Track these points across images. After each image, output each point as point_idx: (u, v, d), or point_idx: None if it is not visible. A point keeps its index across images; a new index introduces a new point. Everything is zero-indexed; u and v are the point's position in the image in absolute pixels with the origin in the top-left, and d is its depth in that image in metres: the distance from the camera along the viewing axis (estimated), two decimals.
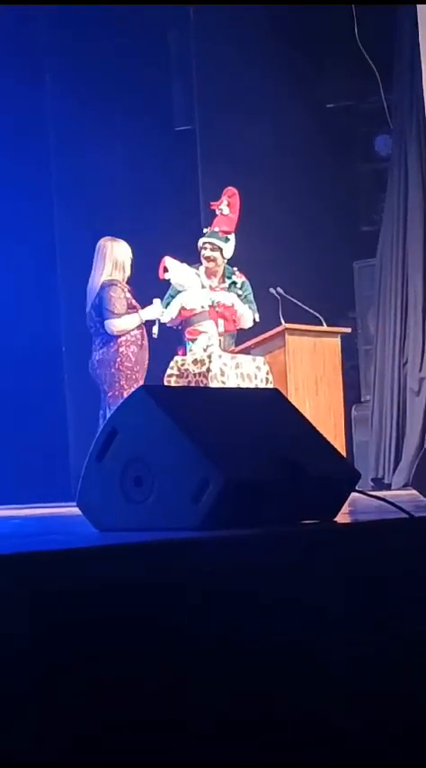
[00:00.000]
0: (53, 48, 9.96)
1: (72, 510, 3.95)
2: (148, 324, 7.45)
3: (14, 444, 9.93)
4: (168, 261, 7.64)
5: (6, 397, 9.94)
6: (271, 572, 2.96)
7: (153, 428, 3.48)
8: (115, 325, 7.25)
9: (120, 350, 7.28)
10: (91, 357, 7.40)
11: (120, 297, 7.27)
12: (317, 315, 8.15)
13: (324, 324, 8.18)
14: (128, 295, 7.35)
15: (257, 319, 7.87)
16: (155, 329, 7.44)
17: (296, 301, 8.12)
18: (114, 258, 7.36)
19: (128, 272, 7.40)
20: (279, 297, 8.11)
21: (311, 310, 8.14)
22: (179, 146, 9.64)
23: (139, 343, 7.34)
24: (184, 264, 7.71)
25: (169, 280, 7.64)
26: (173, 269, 7.62)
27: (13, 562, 2.51)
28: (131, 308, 7.33)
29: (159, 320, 7.48)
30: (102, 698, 2.48)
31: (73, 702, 2.43)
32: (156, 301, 7.52)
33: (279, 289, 8.15)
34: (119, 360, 7.27)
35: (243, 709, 2.65)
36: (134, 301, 7.37)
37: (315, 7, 9.12)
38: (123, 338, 7.29)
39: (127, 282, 7.42)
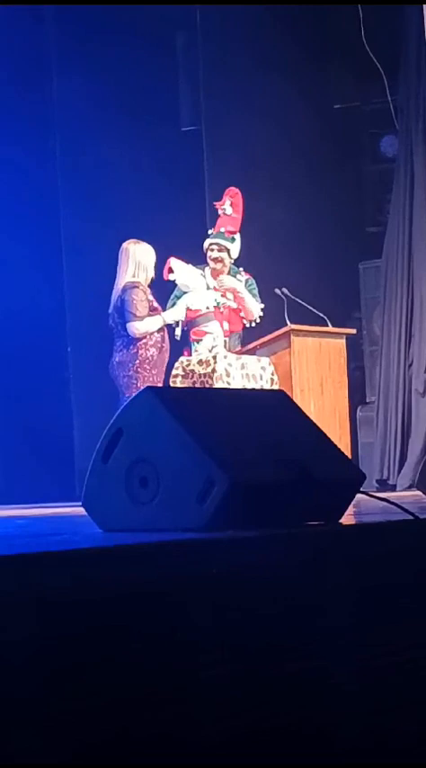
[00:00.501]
0: (60, 48, 9.97)
1: (77, 510, 3.95)
2: (171, 326, 7.47)
3: (20, 444, 9.94)
4: (173, 262, 7.64)
5: (12, 396, 9.95)
6: (276, 573, 2.96)
7: (158, 429, 3.48)
8: (137, 327, 7.25)
9: (140, 352, 7.30)
10: (111, 358, 7.41)
11: (142, 299, 7.27)
12: (323, 316, 8.15)
13: (330, 325, 8.18)
14: (150, 297, 7.35)
15: (261, 314, 7.87)
16: (178, 331, 7.45)
17: (301, 302, 8.12)
18: (136, 260, 7.36)
19: (151, 274, 7.41)
20: (284, 297, 8.11)
21: (316, 311, 8.14)
22: (185, 146, 9.64)
23: (160, 345, 7.35)
24: (189, 265, 7.71)
25: (174, 281, 7.64)
26: (178, 270, 7.62)
27: (18, 563, 2.51)
28: (153, 311, 7.34)
29: (181, 322, 7.50)
30: (107, 701, 2.48)
31: (77, 705, 2.43)
32: (180, 303, 7.53)
33: (284, 289, 8.15)
34: (137, 362, 7.28)
35: (246, 712, 2.65)
36: (156, 303, 7.38)
37: (322, 8, 9.13)
38: (143, 340, 7.30)
39: (149, 285, 7.43)
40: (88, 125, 9.70)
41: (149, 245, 7.46)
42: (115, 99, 9.66)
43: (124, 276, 7.36)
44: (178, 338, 7.46)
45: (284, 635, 2.90)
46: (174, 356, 7.61)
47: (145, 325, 7.28)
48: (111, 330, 7.43)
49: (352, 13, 8.86)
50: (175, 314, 7.44)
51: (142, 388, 7.12)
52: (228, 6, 9.14)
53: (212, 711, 2.62)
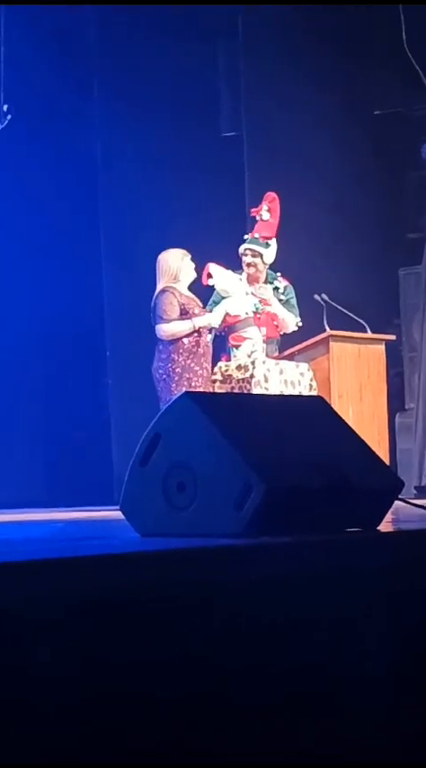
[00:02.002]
0: (102, 55, 10.01)
1: (115, 514, 3.96)
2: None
3: (59, 448, 9.98)
4: (212, 267, 7.65)
5: (52, 401, 10.00)
6: (314, 580, 2.95)
7: (196, 434, 3.48)
8: (163, 329, 7.29)
9: (172, 356, 7.33)
10: (152, 364, 7.47)
11: (172, 303, 7.30)
12: (362, 322, 8.13)
13: (369, 331, 8.16)
14: (183, 300, 7.36)
15: (299, 324, 7.85)
16: (209, 337, 7.44)
17: (340, 308, 8.11)
18: (165, 268, 7.40)
19: (186, 278, 7.42)
20: (323, 303, 8.09)
21: (356, 317, 8.13)
22: (226, 152, 9.65)
23: (194, 350, 7.36)
24: (229, 270, 7.71)
25: (213, 286, 7.65)
26: (218, 275, 7.62)
27: (56, 566, 2.52)
28: (185, 314, 7.35)
29: (219, 328, 7.50)
30: (143, 704, 2.48)
31: (113, 708, 2.43)
32: (218, 308, 7.53)
33: (323, 295, 8.13)
34: (170, 366, 7.31)
35: (279, 720, 2.65)
36: (194, 306, 7.37)
37: (363, 14, 9.11)
38: (176, 344, 7.32)
39: (189, 288, 7.45)
40: (129, 131, 9.73)
41: (180, 250, 7.46)
42: (156, 104, 9.68)
43: (159, 285, 7.43)
44: (209, 345, 7.45)
45: (322, 641, 2.90)
46: (215, 361, 7.61)
47: (171, 327, 7.29)
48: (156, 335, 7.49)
49: (394, 19, 8.83)
50: (209, 319, 7.42)
51: (176, 391, 7.18)
52: (269, 13, 9.14)
53: (246, 718, 2.61)
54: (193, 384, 7.29)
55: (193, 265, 7.47)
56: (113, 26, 9.90)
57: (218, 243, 8.06)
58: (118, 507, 3.72)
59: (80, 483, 9.73)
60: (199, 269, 7.66)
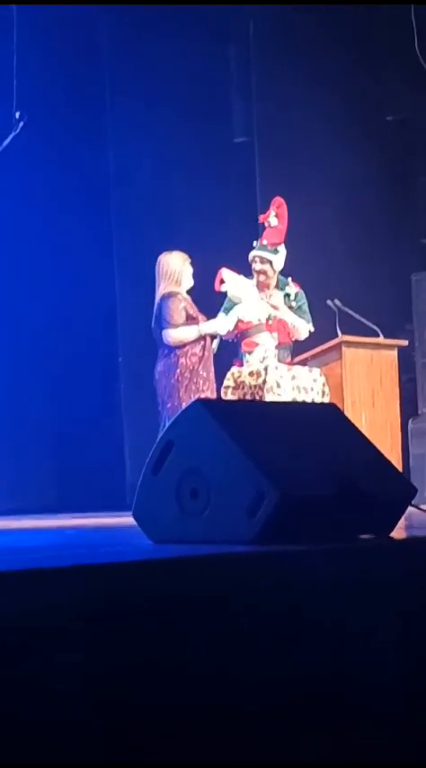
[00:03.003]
0: (113, 62, 10.03)
1: (128, 520, 3.96)
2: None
3: (72, 454, 9.98)
4: (225, 272, 7.64)
5: (64, 406, 10.00)
6: (326, 588, 2.95)
7: (208, 441, 3.48)
8: (171, 335, 7.27)
9: (180, 361, 7.29)
10: (154, 369, 7.42)
11: (178, 308, 7.28)
12: (374, 327, 8.12)
13: (382, 336, 8.14)
14: (187, 306, 7.34)
15: (312, 329, 7.84)
16: (215, 344, 7.42)
17: (353, 313, 8.09)
18: (168, 271, 7.37)
19: (186, 283, 7.40)
20: (336, 309, 8.08)
21: (368, 323, 8.11)
22: (237, 157, 9.65)
23: (200, 354, 7.34)
24: (241, 276, 7.70)
25: (225, 292, 7.64)
26: (230, 281, 7.61)
27: (68, 574, 2.52)
28: (191, 320, 7.34)
29: (220, 335, 7.48)
30: (156, 711, 2.48)
31: (126, 715, 2.43)
32: (221, 315, 7.52)
33: (336, 301, 8.12)
34: (178, 371, 7.27)
35: (293, 728, 2.64)
36: (195, 312, 7.36)
37: (374, 18, 9.11)
38: (183, 349, 7.30)
39: (188, 292, 7.42)
40: (141, 136, 9.74)
41: (181, 253, 7.44)
42: (168, 111, 9.69)
43: (159, 288, 7.39)
44: (214, 352, 7.43)
45: (335, 648, 2.89)
46: (224, 366, 7.60)
47: (179, 333, 7.27)
48: (155, 342, 7.46)
49: (407, 24, 8.83)
50: (215, 326, 7.39)
51: (184, 396, 7.17)
52: (280, 19, 9.15)
53: (259, 726, 2.61)
54: (201, 389, 7.27)
55: (192, 270, 7.45)
56: (125, 33, 9.92)
57: (230, 249, 8.06)
58: (130, 513, 3.72)
59: (92, 489, 9.73)
60: (212, 275, 7.65)
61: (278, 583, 2.86)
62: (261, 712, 2.66)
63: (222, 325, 7.43)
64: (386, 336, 8.19)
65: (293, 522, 3.35)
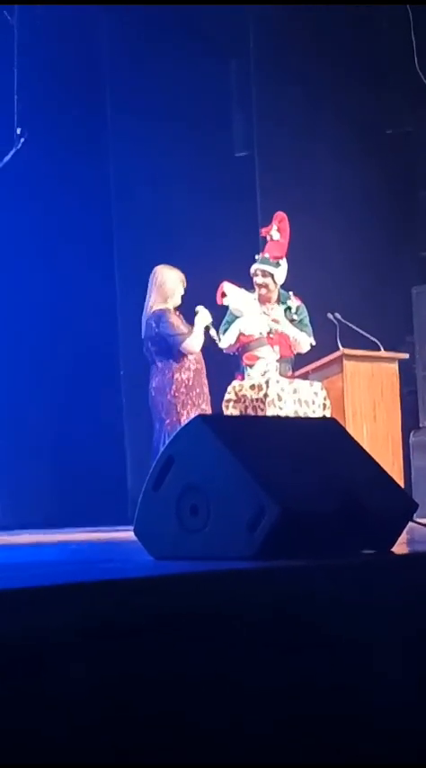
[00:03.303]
0: (114, 75, 10.06)
1: (129, 535, 3.97)
2: (208, 348, 7.46)
3: (73, 467, 9.98)
4: (226, 286, 7.65)
5: (65, 420, 10.01)
6: (328, 603, 2.95)
7: (209, 457, 3.49)
8: (190, 344, 7.25)
9: (175, 376, 7.28)
10: (148, 385, 7.41)
11: (176, 320, 7.29)
12: (375, 340, 8.13)
13: (382, 349, 8.15)
14: (180, 318, 7.35)
15: (313, 343, 7.85)
16: (213, 332, 7.40)
17: (353, 327, 8.11)
18: (162, 286, 7.36)
19: (175, 301, 7.39)
20: (336, 322, 8.10)
21: (369, 336, 8.13)
22: (238, 171, 9.67)
23: (194, 368, 7.33)
24: (242, 290, 7.72)
25: (227, 305, 7.65)
26: (232, 294, 7.63)
27: (69, 592, 2.53)
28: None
29: (232, 347, 7.52)
30: (158, 727, 2.48)
31: (128, 731, 2.43)
32: (233, 327, 7.55)
33: (336, 314, 8.14)
34: (174, 387, 7.27)
35: (292, 747, 2.64)
36: (186, 325, 7.36)
37: (374, 34, 9.14)
38: (177, 365, 7.29)
39: (175, 309, 7.41)
40: (142, 151, 9.77)
41: (179, 272, 7.44)
42: (168, 125, 9.71)
43: (151, 302, 7.37)
44: (215, 337, 7.39)
45: (336, 664, 2.89)
46: (223, 379, 7.61)
47: (194, 340, 7.28)
48: (146, 358, 7.43)
49: (406, 39, 8.86)
50: (205, 317, 7.38)
51: (182, 412, 7.17)
52: (281, 33, 9.18)
53: (257, 742, 2.61)
54: (197, 402, 7.27)
55: (183, 290, 7.45)
56: (126, 48, 9.95)
57: (231, 263, 8.07)
58: (132, 527, 3.73)
59: (94, 502, 9.74)
60: (213, 289, 7.66)
61: (279, 599, 2.87)
62: (261, 728, 2.66)
63: (206, 314, 7.38)
64: (386, 349, 8.21)
65: (294, 537, 3.35)
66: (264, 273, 7.74)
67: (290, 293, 7.87)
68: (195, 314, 7.36)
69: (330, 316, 8.13)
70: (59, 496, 10.06)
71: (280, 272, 7.77)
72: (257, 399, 7.43)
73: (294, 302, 7.84)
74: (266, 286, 7.74)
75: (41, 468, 10.19)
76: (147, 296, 7.42)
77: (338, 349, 7.90)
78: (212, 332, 7.38)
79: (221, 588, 2.81)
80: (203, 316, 7.36)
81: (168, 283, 7.38)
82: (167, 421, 7.19)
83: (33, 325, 10.00)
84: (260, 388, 7.44)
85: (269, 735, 2.63)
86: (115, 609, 2.53)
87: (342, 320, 8.12)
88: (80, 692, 2.39)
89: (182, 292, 7.42)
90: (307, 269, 8.43)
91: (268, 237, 7.85)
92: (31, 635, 2.33)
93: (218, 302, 7.66)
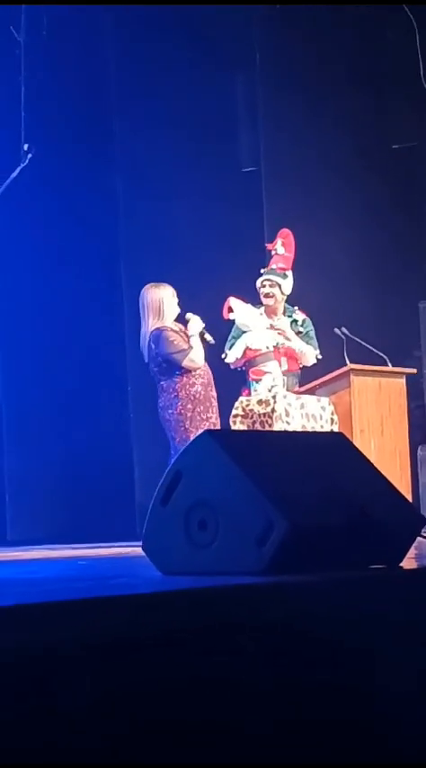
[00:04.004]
0: (120, 90, 10.08)
1: (137, 550, 3.97)
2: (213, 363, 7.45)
3: (81, 483, 9.98)
4: (233, 301, 7.66)
5: (73, 435, 10.01)
6: (337, 618, 2.95)
7: (217, 472, 3.49)
8: (192, 359, 7.19)
9: (180, 394, 7.24)
10: (156, 404, 7.38)
11: (176, 338, 7.21)
12: (382, 355, 8.13)
13: (390, 364, 8.15)
14: (179, 333, 7.29)
15: (319, 356, 7.86)
16: (208, 336, 7.35)
17: (361, 341, 8.11)
18: (152, 305, 7.29)
19: (171, 315, 7.30)
20: (343, 337, 8.10)
21: (376, 350, 8.13)
22: (245, 186, 9.69)
23: (200, 381, 7.31)
24: (248, 305, 7.73)
25: (233, 320, 7.66)
26: (238, 309, 7.64)
27: (80, 607, 2.53)
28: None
29: (238, 360, 7.53)
30: (168, 741, 2.49)
31: (138, 744, 2.43)
32: (239, 342, 7.55)
33: (343, 329, 8.14)
34: (180, 404, 7.24)
35: (301, 758, 2.64)
36: (186, 337, 7.29)
37: (379, 48, 9.16)
38: (182, 382, 7.24)
39: (175, 323, 7.34)
40: (148, 166, 9.78)
41: (164, 285, 7.39)
42: (175, 140, 9.73)
43: (146, 323, 7.29)
44: (212, 341, 7.35)
45: (344, 680, 2.89)
46: (229, 394, 7.61)
47: (197, 351, 7.22)
48: (152, 378, 7.39)
49: (411, 52, 8.88)
50: (197, 323, 7.32)
51: (191, 428, 7.15)
52: (286, 48, 9.20)
53: (267, 758, 2.61)
54: (205, 417, 7.24)
55: (177, 300, 7.39)
56: (132, 62, 9.97)
57: (238, 278, 8.08)
58: (140, 543, 3.73)
59: (102, 518, 9.73)
60: (219, 303, 7.67)
61: (287, 614, 2.87)
62: (270, 741, 2.66)
63: (198, 320, 7.32)
64: (394, 364, 8.20)
65: (302, 552, 3.35)
66: (272, 284, 7.76)
67: (295, 307, 7.89)
68: (186, 322, 7.31)
69: (337, 330, 8.13)
70: (68, 512, 10.06)
71: (287, 284, 7.79)
72: (264, 414, 7.43)
73: (299, 315, 7.86)
74: (274, 296, 7.76)
75: (50, 484, 10.19)
76: (142, 318, 7.36)
77: (345, 364, 7.90)
78: (207, 336, 7.32)
79: (230, 603, 2.82)
80: (195, 323, 7.30)
81: (157, 301, 7.30)
82: (177, 438, 7.17)
83: (42, 341, 10.01)
84: (267, 403, 7.44)
85: (277, 747, 2.63)
86: (124, 624, 2.54)
87: (350, 335, 8.12)
88: (88, 707, 2.39)
89: (176, 306, 7.34)
90: (314, 283, 8.44)
91: (273, 251, 7.87)
92: (41, 650, 2.33)
93: (225, 317, 7.67)
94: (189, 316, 7.31)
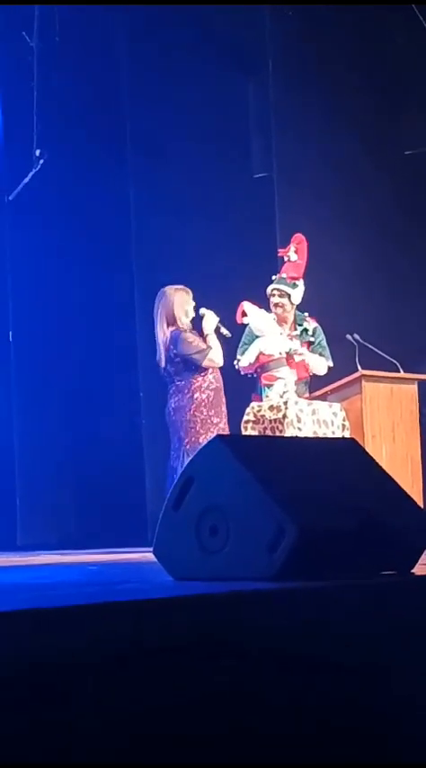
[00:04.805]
0: (133, 96, 10.09)
1: (148, 556, 3.97)
2: (224, 368, 7.45)
3: (92, 488, 9.99)
4: (247, 305, 7.65)
5: (84, 440, 10.02)
6: (348, 624, 2.94)
7: (228, 477, 3.49)
8: (212, 359, 7.23)
9: (195, 395, 7.28)
10: (165, 406, 7.40)
11: (194, 339, 7.27)
12: (394, 361, 8.12)
13: (401, 370, 8.14)
14: (194, 335, 7.33)
15: (331, 365, 7.84)
16: (224, 330, 7.37)
17: (372, 347, 8.10)
18: (170, 307, 7.34)
19: (187, 318, 7.36)
20: (355, 343, 8.08)
21: (388, 357, 8.11)
22: (257, 192, 9.68)
23: (214, 387, 7.33)
24: (262, 310, 7.72)
25: (247, 324, 7.65)
26: (252, 314, 7.63)
27: (91, 612, 2.53)
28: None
29: (252, 365, 7.52)
30: (178, 747, 2.48)
31: (150, 751, 2.43)
32: (253, 347, 7.54)
33: (355, 335, 8.12)
34: (194, 406, 7.26)
35: (313, 757, 2.63)
36: (201, 339, 7.33)
37: (393, 53, 9.15)
38: (196, 384, 7.28)
39: (190, 324, 7.38)
40: (160, 171, 9.79)
41: (182, 288, 7.43)
42: (187, 146, 9.73)
43: (162, 325, 7.33)
44: (228, 335, 7.36)
45: (355, 686, 2.88)
46: (242, 400, 7.60)
47: (216, 353, 7.27)
48: (164, 379, 7.42)
49: (424, 58, 8.87)
50: (212, 319, 7.34)
51: (201, 431, 7.15)
52: (299, 54, 9.20)
53: (277, 761, 2.60)
54: (215, 422, 7.26)
55: (193, 304, 7.44)
56: (144, 68, 9.97)
57: (250, 284, 8.07)
58: (151, 549, 3.73)
59: (113, 524, 9.73)
60: (232, 310, 7.66)
61: (298, 620, 2.86)
62: (281, 746, 2.65)
63: (213, 317, 7.35)
64: (405, 370, 8.19)
65: (313, 557, 3.34)
66: (281, 293, 7.74)
67: (306, 314, 7.87)
68: (202, 317, 7.35)
69: (348, 336, 8.12)
70: (78, 517, 10.06)
71: (297, 293, 7.77)
72: (276, 420, 7.42)
73: (310, 324, 7.84)
74: (283, 306, 7.74)
75: (60, 489, 10.20)
76: (157, 320, 7.40)
77: (357, 370, 7.89)
78: (223, 330, 7.36)
79: (241, 609, 2.81)
80: (210, 317, 7.35)
81: (174, 304, 7.37)
82: (186, 440, 7.19)
83: (53, 348, 10.03)
84: (278, 409, 7.43)
85: (288, 751, 2.62)
86: (135, 629, 2.53)
87: (361, 341, 8.11)
88: (97, 711, 2.39)
89: (192, 309, 7.40)
90: (326, 289, 8.43)
91: (285, 258, 7.85)
92: (52, 654, 2.33)
93: (238, 322, 7.66)
94: (203, 311, 7.36)
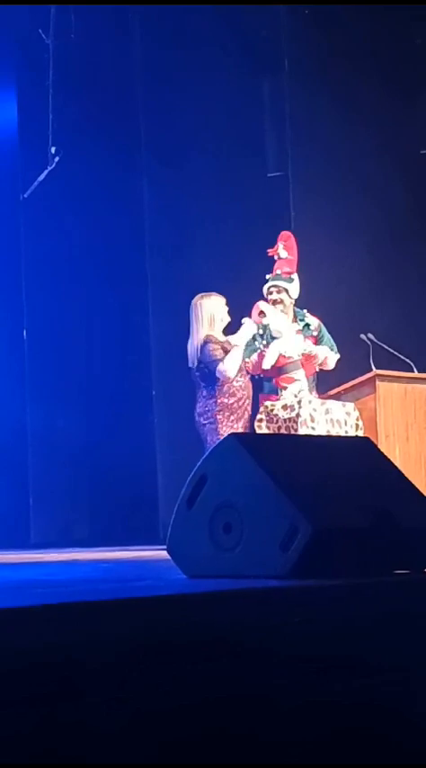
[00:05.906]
0: (147, 97, 10.09)
1: (161, 554, 3.97)
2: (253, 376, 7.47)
3: (105, 487, 10.00)
4: (263, 305, 7.63)
5: (97, 440, 10.02)
6: (362, 623, 2.94)
7: (242, 475, 3.49)
8: (224, 369, 7.26)
9: (220, 400, 7.32)
10: (194, 410, 7.44)
11: (216, 348, 7.30)
12: (408, 361, 8.11)
13: (415, 370, 8.13)
14: (223, 343, 7.36)
15: (338, 356, 7.83)
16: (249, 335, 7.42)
17: (386, 347, 8.08)
18: (206, 314, 7.39)
19: (221, 324, 7.41)
20: (369, 343, 8.07)
21: (402, 356, 8.10)
22: (271, 192, 9.67)
23: (240, 393, 7.36)
24: (278, 310, 7.70)
25: (266, 324, 7.63)
26: (271, 314, 7.62)
27: (105, 609, 2.53)
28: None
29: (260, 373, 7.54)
30: (193, 745, 2.48)
31: (163, 747, 2.43)
32: (272, 348, 7.54)
33: (369, 335, 8.11)
34: (218, 409, 7.30)
35: (325, 757, 2.63)
36: (231, 347, 7.38)
37: (407, 52, 9.14)
38: (222, 389, 7.31)
39: (224, 331, 7.43)
40: (174, 171, 9.78)
41: (216, 295, 7.47)
42: (202, 145, 9.73)
43: (197, 332, 7.38)
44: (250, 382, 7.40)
45: (370, 684, 2.88)
46: (257, 400, 7.60)
47: (229, 362, 7.28)
48: (193, 384, 7.46)
49: None
50: (250, 329, 7.37)
51: (224, 434, 7.16)
52: (314, 52, 9.18)
53: (293, 755, 2.60)
54: (235, 427, 7.29)
55: (227, 309, 7.47)
56: (158, 69, 9.98)
57: (262, 283, 8.07)
58: (164, 547, 3.73)
59: (126, 522, 9.74)
60: (246, 310, 7.65)
61: (312, 618, 2.86)
62: (296, 742, 2.65)
63: (252, 327, 7.39)
64: (419, 370, 8.18)
65: (327, 556, 3.34)
66: (278, 289, 7.72)
67: (305, 311, 7.86)
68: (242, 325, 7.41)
69: (363, 336, 8.10)
70: (91, 515, 10.07)
71: (294, 287, 7.76)
72: (289, 419, 7.41)
73: (313, 320, 7.82)
74: (282, 302, 7.73)
75: (73, 487, 10.21)
76: (192, 327, 7.47)
77: (371, 369, 7.88)
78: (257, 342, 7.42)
79: (255, 607, 2.81)
80: (245, 329, 7.39)
81: (207, 312, 7.41)
82: (209, 442, 7.20)
83: (66, 347, 10.04)
84: (292, 408, 7.42)
85: (303, 747, 2.62)
86: (148, 626, 2.53)
87: (375, 341, 8.10)
88: (109, 708, 2.39)
89: (226, 315, 7.44)
90: (340, 288, 8.42)
91: (275, 256, 7.84)
92: (66, 649, 2.33)
93: (257, 321, 7.65)
94: (244, 320, 7.42)
